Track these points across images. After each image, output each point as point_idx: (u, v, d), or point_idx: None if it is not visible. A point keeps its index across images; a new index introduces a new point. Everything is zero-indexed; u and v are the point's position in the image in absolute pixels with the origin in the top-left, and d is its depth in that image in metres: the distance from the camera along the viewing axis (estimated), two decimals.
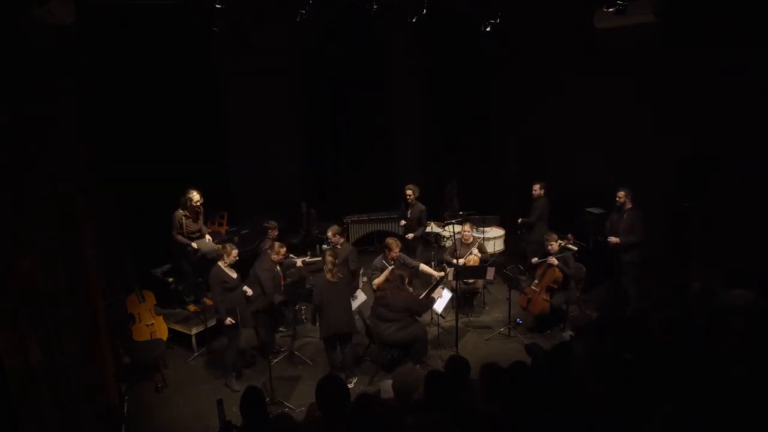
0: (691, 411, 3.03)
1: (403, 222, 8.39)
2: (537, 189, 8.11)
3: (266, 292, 6.20)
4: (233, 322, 5.81)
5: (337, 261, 6.05)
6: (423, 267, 6.84)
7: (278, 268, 6.45)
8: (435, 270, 6.98)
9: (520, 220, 8.24)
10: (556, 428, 3.10)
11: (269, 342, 6.40)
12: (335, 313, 5.84)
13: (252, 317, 6.22)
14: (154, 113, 7.41)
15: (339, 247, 6.91)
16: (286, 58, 9.38)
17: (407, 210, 8.16)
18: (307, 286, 6.96)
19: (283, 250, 6.36)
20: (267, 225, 7.16)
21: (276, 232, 7.20)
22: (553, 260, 6.66)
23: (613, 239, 6.91)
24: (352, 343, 6.14)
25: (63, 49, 5.11)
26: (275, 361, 6.40)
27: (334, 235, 6.98)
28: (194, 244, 6.91)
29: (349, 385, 5.88)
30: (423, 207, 8.12)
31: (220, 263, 5.89)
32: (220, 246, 6.01)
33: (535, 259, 7.06)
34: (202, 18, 6.44)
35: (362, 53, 9.62)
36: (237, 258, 5.98)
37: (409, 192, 8.06)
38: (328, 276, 5.87)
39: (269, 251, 6.33)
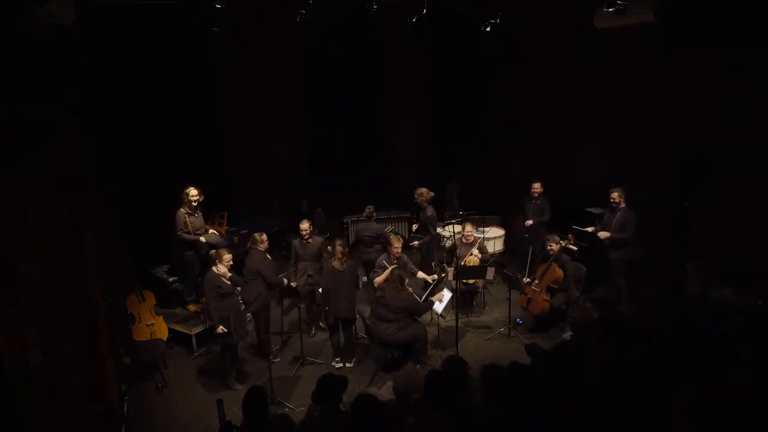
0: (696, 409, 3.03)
1: (415, 226, 8.29)
2: (538, 187, 8.05)
3: (270, 282, 6.27)
4: (224, 330, 5.73)
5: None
6: (420, 274, 6.88)
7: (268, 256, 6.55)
8: (435, 274, 7.00)
9: (530, 222, 8.04)
10: (557, 428, 3.10)
11: (268, 341, 6.42)
12: (340, 299, 6.13)
13: (253, 317, 6.23)
14: (155, 113, 7.41)
15: (311, 241, 6.88)
16: (286, 58, 9.40)
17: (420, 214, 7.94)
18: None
19: (265, 236, 6.47)
20: (368, 209, 7.71)
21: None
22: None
23: (603, 234, 7.01)
24: (353, 328, 6.40)
25: (63, 49, 5.11)
26: (276, 360, 6.41)
27: (305, 230, 7.01)
28: (202, 239, 6.92)
29: (348, 365, 6.32)
30: (430, 213, 7.74)
31: (214, 269, 5.79)
32: (214, 251, 5.91)
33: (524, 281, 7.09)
34: (202, 18, 6.44)
35: (362, 53, 9.63)
36: (231, 263, 5.90)
37: (416, 196, 7.83)
38: (336, 264, 6.14)
39: (251, 246, 6.39)
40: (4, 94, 3.97)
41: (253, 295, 6.19)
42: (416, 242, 7.93)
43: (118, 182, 6.71)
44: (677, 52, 7.12)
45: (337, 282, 6.14)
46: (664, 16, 6.90)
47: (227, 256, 5.82)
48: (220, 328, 5.69)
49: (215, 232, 7.28)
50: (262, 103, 9.23)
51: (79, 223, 4.89)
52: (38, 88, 4.40)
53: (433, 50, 9.87)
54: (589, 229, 7.50)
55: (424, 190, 7.79)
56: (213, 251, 5.92)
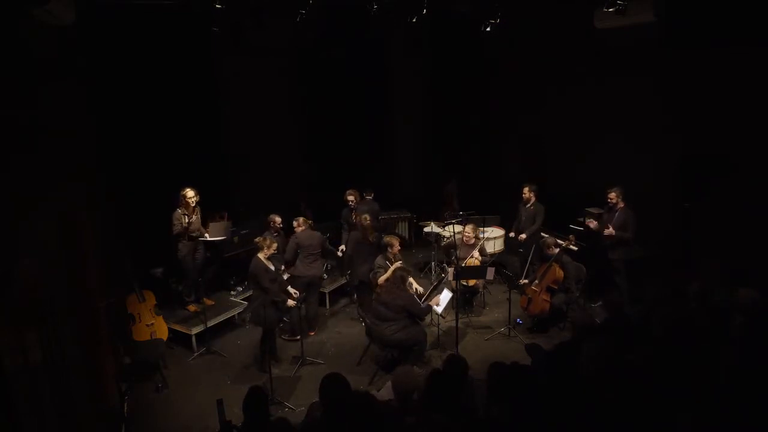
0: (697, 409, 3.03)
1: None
2: (527, 192, 7.86)
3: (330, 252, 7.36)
4: (296, 294, 6.35)
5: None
6: (415, 284, 6.86)
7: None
8: (430, 284, 7.06)
9: (523, 237, 7.83)
10: (557, 429, 3.10)
11: (305, 319, 6.82)
12: (362, 266, 7.03)
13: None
14: (155, 113, 7.40)
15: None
16: (286, 58, 9.39)
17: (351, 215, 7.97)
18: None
19: (302, 219, 7.17)
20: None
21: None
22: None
23: (608, 231, 6.96)
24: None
25: (63, 49, 5.11)
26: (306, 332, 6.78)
27: (276, 222, 7.31)
28: (206, 234, 7.00)
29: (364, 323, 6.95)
30: (344, 213, 8.18)
31: (260, 255, 6.15)
32: (261, 238, 6.25)
33: (524, 281, 7.10)
34: (202, 18, 6.44)
35: (362, 53, 9.63)
36: (276, 251, 6.29)
37: (350, 198, 7.94)
38: (368, 236, 7.07)
39: (298, 228, 6.98)
40: (4, 94, 3.97)
41: (321, 270, 7.08)
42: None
43: (118, 182, 6.71)
44: (677, 52, 7.11)
45: (359, 250, 7.07)
46: (664, 15, 6.89)
47: (274, 244, 6.22)
48: (290, 302, 6.19)
49: (214, 225, 7.31)
50: (262, 103, 9.21)
51: (79, 223, 4.89)
52: (38, 88, 4.40)
53: (433, 50, 9.86)
54: (591, 225, 7.45)
55: (354, 190, 8.06)
56: (259, 238, 6.26)
